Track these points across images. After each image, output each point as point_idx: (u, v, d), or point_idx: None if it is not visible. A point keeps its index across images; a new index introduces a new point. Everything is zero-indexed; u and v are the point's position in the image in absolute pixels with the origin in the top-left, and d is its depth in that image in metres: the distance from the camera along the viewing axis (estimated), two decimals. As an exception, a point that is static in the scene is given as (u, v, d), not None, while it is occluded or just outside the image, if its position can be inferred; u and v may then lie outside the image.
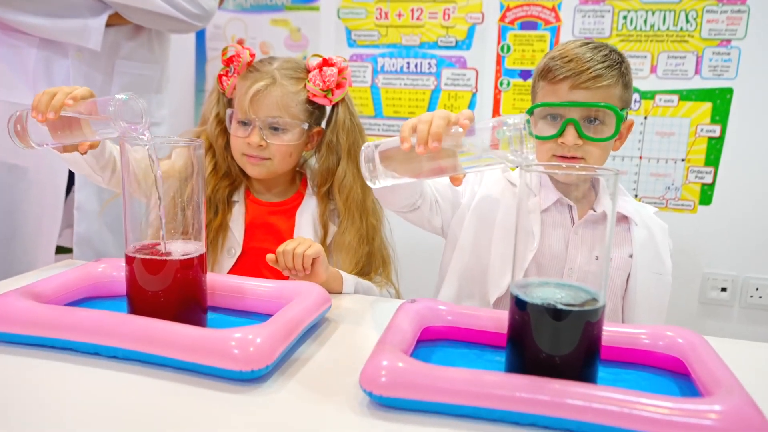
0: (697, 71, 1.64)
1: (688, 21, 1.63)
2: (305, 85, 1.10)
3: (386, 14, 1.83)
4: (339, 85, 1.10)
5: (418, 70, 1.84)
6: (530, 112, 1.02)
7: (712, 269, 1.72)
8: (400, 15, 1.82)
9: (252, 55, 1.12)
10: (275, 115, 1.08)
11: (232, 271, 1.11)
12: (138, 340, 0.64)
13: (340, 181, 1.12)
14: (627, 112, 1.02)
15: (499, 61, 1.78)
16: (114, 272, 0.85)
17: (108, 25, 1.32)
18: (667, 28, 1.64)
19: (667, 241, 1.09)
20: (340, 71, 1.10)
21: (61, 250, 1.56)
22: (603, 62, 0.97)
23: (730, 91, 1.63)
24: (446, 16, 1.79)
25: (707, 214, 1.69)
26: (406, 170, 0.77)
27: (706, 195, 1.69)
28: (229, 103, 1.15)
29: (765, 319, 1.69)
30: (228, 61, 1.13)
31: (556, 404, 0.54)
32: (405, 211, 1.02)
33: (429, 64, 1.83)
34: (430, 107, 1.84)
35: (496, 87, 1.79)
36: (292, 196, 1.18)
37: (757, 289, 1.68)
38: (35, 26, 1.26)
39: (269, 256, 0.93)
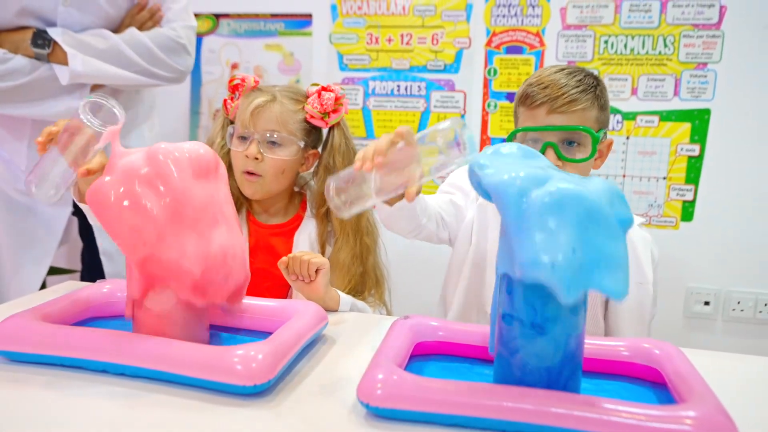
0: (676, 93, 1.71)
1: (666, 45, 1.69)
2: (303, 107, 1.16)
3: (377, 39, 1.89)
4: (335, 110, 1.16)
5: (408, 92, 1.89)
6: (511, 136, 1.07)
7: (695, 283, 1.77)
8: (390, 40, 1.88)
9: (256, 81, 1.19)
10: (273, 129, 1.12)
11: None
12: (145, 358, 0.68)
13: None
14: (605, 133, 1.08)
15: (486, 84, 1.83)
16: (118, 293, 0.88)
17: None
18: (647, 52, 1.71)
19: (650, 251, 1.13)
20: (337, 98, 1.16)
21: (54, 271, 1.59)
22: (577, 87, 1.03)
23: (707, 111, 1.69)
24: (435, 41, 1.85)
25: (689, 230, 1.75)
26: (364, 192, 0.78)
27: (687, 212, 1.75)
28: (229, 126, 1.20)
29: (747, 332, 1.74)
30: (234, 88, 1.19)
31: (540, 413, 0.58)
32: (414, 234, 1.06)
33: (418, 86, 1.89)
34: (420, 128, 1.90)
35: (483, 109, 1.85)
36: (291, 218, 1.22)
37: (738, 303, 1.74)
38: (24, 114, 1.32)
39: (282, 260, 0.97)
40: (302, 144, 1.16)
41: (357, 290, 1.15)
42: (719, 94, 1.68)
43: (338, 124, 1.19)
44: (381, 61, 1.90)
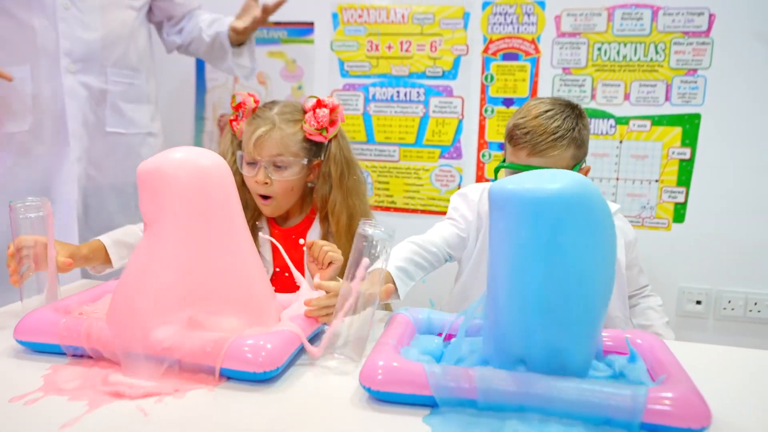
0: (667, 98, 1.76)
1: (657, 52, 1.75)
2: (302, 126, 1.24)
3: (377, 46, 1.95)
4: (332, 123, 1.25)
5: (408, 98, 1.95)
6: (497, 170, 1.21)
7: (687, 283, 1.82)
8: (389, 47, 1.94)
9: (256, 102, 1.28)
10: (276, 154, 1.22)
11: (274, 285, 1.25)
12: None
13: (333, 207, 1.27)
14: (581, 167, 1.22)
15: (483, 89, 1.89)
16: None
17: None
18: (638, 59, 1.76)
19: (623, 239, 1.26)
20: (332, 110, 1.24)
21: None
22: (555, 133, 1.15)
23: (698, 116, 1.74)
24: (433, 48, 1.91)
25: (681, 231, 1.80)
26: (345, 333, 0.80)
27: (679, 213, 1.80)
28: (239, 145, 1.29)
29: (737, 330, 1.79)
30: (237, 107, 1.29)
31: (528, 394, 0.63)
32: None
33: (417, 92, 1.94)
34: (419, 133, 1.95)
35: (480, 114, 1.90)
36: (304, 219, 1.33)
37: (729, 302, 1.78)
38: None
39: (308, 242, 1.04)
40: (305, 161, 1.25)
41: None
42: (709, 99, 1.73)
43: (336, 136, 1.27)
44: (381, 68, 1.95)
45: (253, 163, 1.23)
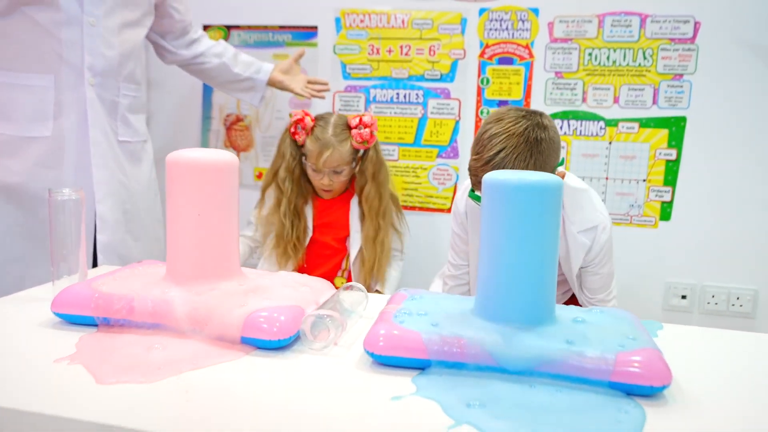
0: (654, 101, 1.85)
1: (645, 58, 1.84)
2: (350, 141, 1.76)
3: (378, 50, 2.03)
4: (371, 136, 1.77)
5: (407, 100, 2.03)
6: (472, 192, 1.30)
7: (673, 278, 1.90)
8: (390, 51, 2.02)
9: (313, 120, 1.77)
10: (336, 165, 1.76)
11: (307, 251, 1.83)
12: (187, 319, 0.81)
13: (368, 195, 1.79)
14: (556, 169, 1.28)
15: (480, 92, 1.97)
16: (156, 269, 1.01)
17: None
18: (627, 64, 1.85)
19: (583, 253, 1.42)
20: (371, 127, 1.76)
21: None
22: (514, 166, 1.19)
23: (683, 119, 1.83)
24: (432, 52, 2.00)
25: (667, 228, 1.89)
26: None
27: (665, 212, 1.88)
28: (298, 149, 1.80)
29: (720, 324, 1.87)
30: (296, 123, 1.77)
31: (517, 357, 0.71)
32: None
33: (416, 94, 2.03)
34: (418, 133, 2.03)
35: (477, 115, 1.99)
36: (347, 191, 1.88)
37: (713, 296, 1.87)
38: None
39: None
40: (354, 165, 1.81)
41: (380, 260, 1.80)
42: (694, 102, 1.82)
43: (374, 144, 1.80)
44: (381, 71, 2.04)
45: (317, 171, 1.77)
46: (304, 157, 1.80)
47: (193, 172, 0.88)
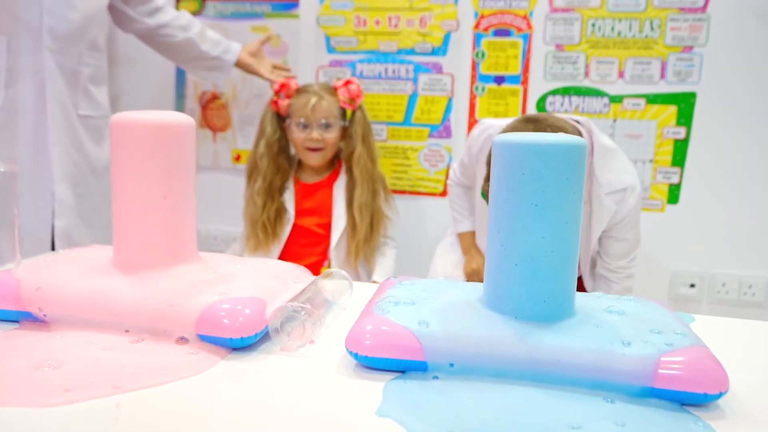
0: (662, 76, 1.71)
1: (652, 29, 1.70)
2: (337, 98, 1.69)
3: (364, 21, 1.88)
4: (358, 95, 1.70)
5: (396, 75, 1.89)
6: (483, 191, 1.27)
7: (680, 266, 1.78)
8: (377, 22, 1.87)
9: (296, 84, 1.72)
10: (326, 116, 1.67)
11: (288, 239, 1.71)
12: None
13: (358, 158, 1.68)
14: None
15: (474, 66, 1.83)
16: (104, 253, 0.86)
17: None
18: (633, 36, 1.72)
19: (609, 218, 1.34)
20: (358, 87, 1.70)
21: None
22: None
23: (693, 95, 1.70)
24: (423, 24, 1.85)
25: (675, 212, 1.76)
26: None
27: (673, 194, 1.76)
28: (279, 120, 1.73)
29: (732, 314, 1.75)
30: (279, 90, 1.69)
31: (533, 359, 0.58)
32: None
33: (406, 69, 1.88)
34: (408, 111, 1.89)
35: (471, 92, 1.85)
36: (331, 173, 1.76)
37: (723, 285, 1.75)
38: None
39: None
40: (341, 123, 1.71)
41: (374, 226, 1.69)
42: (705, 77, 1.69)
43: (359, 106, 1.72)
44: (368, 44, 1.89)
45: (306, 126, 1.66)
46: (288, 121, 1.70)
47: (140, 136, 0.73)
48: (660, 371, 0.55)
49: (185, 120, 0.76)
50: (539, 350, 0.58)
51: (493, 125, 1.48)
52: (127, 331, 0.67)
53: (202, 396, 0.55)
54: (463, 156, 1.57)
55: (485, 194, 1.25)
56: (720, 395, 0.55)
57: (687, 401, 0.55)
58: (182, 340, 0.65)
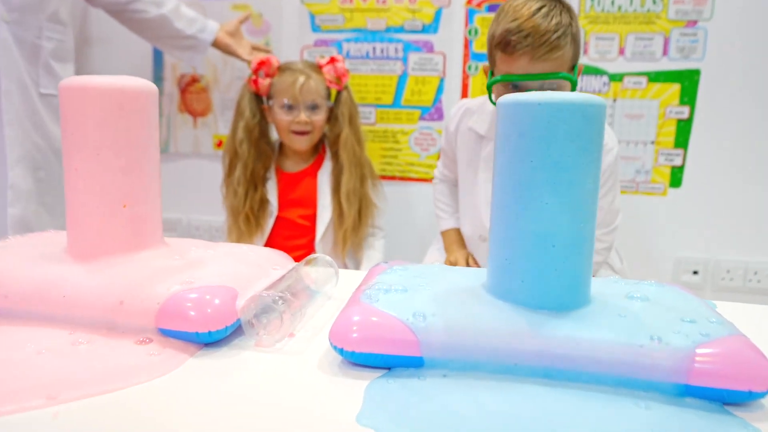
0: (665, 52, 1.63)
1: (654, 2, 1.62)
2: (323, 77, 1.57)
3: (351, -2, 1.79)
4: (344, 74, 1.58)
5: (385, 54, 1.79)
6: (492, 84, 1.13)
7: (683, 252, 1.71)
8: (365, -1, 1.78)
9: (278, 61, 1.58)
10: (313, 97, 1.55)
11: (272, 232, 1.59)
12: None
13: (345, 140, 1.57)
14: (579, 66, 1.16)
15: (467, 45, 1.74)
16: (60, 238, 0.77)
17: None
18: (635, 10, 1.63)
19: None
20: (344, 65, 1.59)
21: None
22: (557, 31, 1.06)
23: (697, 72, 1.63)
24: None
25: (677, 196, 1.69)
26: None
27: (676, 177, 1.68)
28: (258, 102, 1.59)
29: (736, 301, 1.67)
30: (258, 68, 1.55)
31: (548, 354, 0.50)
32: None
33: (395, 48, 1.79)
34: (398, 93, 1.80)
35: (464, 71, 1.76)
36: (315, 160, 1.64)
37: (728, 272, 1.68)
38: None
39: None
40: (329, 104, 1.58)
41: (362, 212, 1.59)
42: (710, 53, 1.61)
43: (345, 86, 1.60)
44: (355, 21, 1.80)
45: (292, 108, 1.54)
46: (270, 102, 1.57)
47: (94, 103, 0.64)
48: (696, 365, 0.47)
49: (145, 85, 0.67)
50: (555, 343, 0.50)
51: (470, 101, 1.41)
52: (76, 326, 0.58)
53: (163, 398, 0.46)
54: (443, 144, 1.49)
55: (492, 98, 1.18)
56: (766, 393, 0.47)
57: (728, 400, 0.48)
58: (144, 339, 0.57)
